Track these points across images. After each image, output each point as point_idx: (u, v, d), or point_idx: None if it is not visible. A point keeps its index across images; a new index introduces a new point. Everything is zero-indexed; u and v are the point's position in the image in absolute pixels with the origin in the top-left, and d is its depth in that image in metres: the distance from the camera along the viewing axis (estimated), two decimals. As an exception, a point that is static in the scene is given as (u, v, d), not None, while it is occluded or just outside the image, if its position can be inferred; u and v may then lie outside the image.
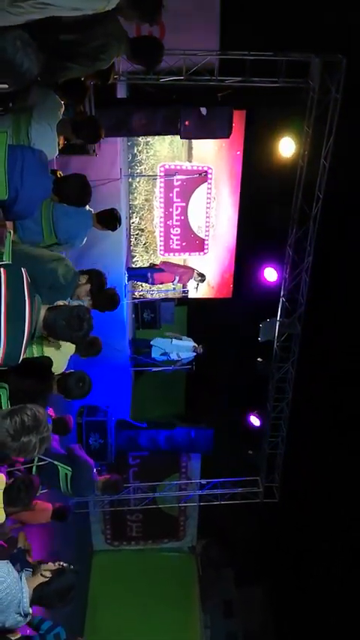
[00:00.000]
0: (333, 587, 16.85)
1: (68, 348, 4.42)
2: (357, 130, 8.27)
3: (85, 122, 4.32)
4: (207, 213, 10.06)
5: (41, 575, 3.03)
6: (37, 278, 3.18)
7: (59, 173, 4.60)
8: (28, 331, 2.79)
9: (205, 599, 15.48)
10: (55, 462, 4.77)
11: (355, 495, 15.21)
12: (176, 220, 10.06)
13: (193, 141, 9.53)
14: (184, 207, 9.96)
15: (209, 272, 10.51)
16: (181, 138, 8.42)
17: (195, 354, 10.34)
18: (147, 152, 9.50)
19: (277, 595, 19.61)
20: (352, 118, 7.68)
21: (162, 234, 10.13)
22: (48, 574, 3.01)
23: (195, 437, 10.50)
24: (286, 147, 7.96)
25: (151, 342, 10.37)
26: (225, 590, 20.01)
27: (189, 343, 10.37)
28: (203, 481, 11.38)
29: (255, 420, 10.43)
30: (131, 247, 10.33)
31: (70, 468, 4.89)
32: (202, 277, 10.07)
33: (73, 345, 4.47)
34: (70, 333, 2.97)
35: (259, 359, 9.85)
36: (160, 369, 10.46)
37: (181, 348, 10.31)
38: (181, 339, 10.49)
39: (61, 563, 3.08)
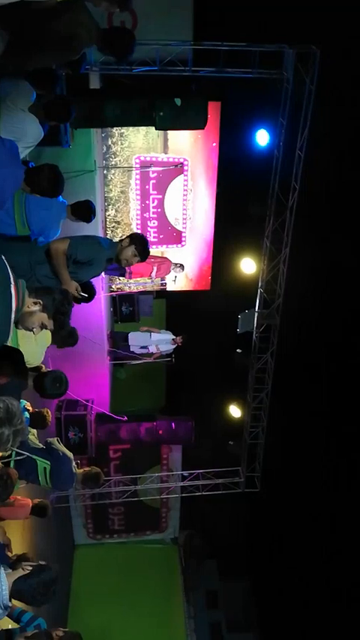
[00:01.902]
0: (315, 574, 17.11)
1: (44, 340, 4.39)
2: (331, 121, 8.34)
3: (54, 101, 4.27)
4: (184, 205, 10.04)
5: (22, 569, 3.01)
6: None
7: (31, 164, 4.54)
8: (15, 309, 2.76)
9: (189, 590, 15.56)
10: (34, 456, 4.73)
11: (335, 483, 15.44)
12: (153, 213, 10.02)
13: (168, 132, 9.49)
14: (161, 200, 9.92)
15: (187, 264, 10.51)
16: (156, 129, 8.37)
17: (175, 345, 10.36)
18: (122, 144, 9.43)
19: (260, 584, 19.83)
20: (327, 109, 7.74)
21: (139, 226, 10.08)
22: (29, 568, 2.99)
23: (176, 428, 10.51)
24: (262, 138, 7.98)
25: (129, 336, 10.36)
26: (208, 581, 20.15)
27: (168, 336, 10.39)
28: (185, 472, 11.41)
29: (235, 411, 10.49)
30: (108, 240, 10.26)
31: (48, 462, 4.85)
32: (181, 267, 10.06)
33: (49, 336, 4.45)
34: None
35: (238, 350, 9.89)
36: (139, 362, 10.46)
37: (160, 341, 10.32)
38: (159, 332, 10.50)
39: (42, 563, 3.07)
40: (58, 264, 3.89)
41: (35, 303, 2.96)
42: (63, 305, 3.09)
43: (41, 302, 2.98)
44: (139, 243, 4.20)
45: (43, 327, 3.07)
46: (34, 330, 3.07)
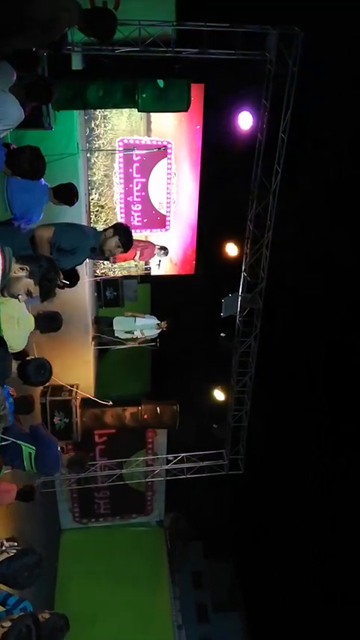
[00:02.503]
0: (298, 555, 17.40)
1: (27, 324, 4.36)
2: (315, 103, 8.31)
3: (35, 82, 4.20)
4: (168, 188, 9.98)
5: (6, 552, 3.02)
6: None
7: (12, 146, 4.47)
8: (2, 274, 2.75)
9: (174, 571, 15.76)
10: (18, 442, 4.72)
11: (318, 465, 15.67)
12: (137, 196, 9.94)
13: (151, 115, 9.39)
14: (145, 183, 9.85)
15: (171, 249, 10.46)
16: (138, 111, 8.28)
17: (160, 330, 10.35)
18: (105, 126, 9.32)
19: (245, 565, 20.15)
20: (310, 91, 7.71)
21: (122, 210, 10.01)
22: (13, 551, 3.01)
23: (160, 413, 10.55)
24: (245, 120, 7.94)
25: (113, 321, 10.33)
26: (194, 562, 20.43)
27: (152, 321, 10.37)
28: (170, 456, 11.49)
29: (219, 394, 10.56)
30: (91, 224, 10.18)
31: (33, 447, 4.84)
32: (164, 250, 10.02)
33: (32, 321, 4.42)
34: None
35: (222, 334, 9.92)
36: (124, 346, 10.45)
37: (144, 326, 10.30)
38: (144, 317, 10.47)
39: (25, 547, 3.08)
40: (42, 251, 3.86)
41: (22, 269, 2.97)
42: (49, 272, 3.11)
43: (28, 268, 2.99)
44: (123, 234, 4.19)
45: (29, 293, 3.07)
46: (20, 296, 3.07)
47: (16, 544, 3.54)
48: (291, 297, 12.04)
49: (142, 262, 10.38)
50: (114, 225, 4.31)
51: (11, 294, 3.05)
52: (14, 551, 3.06)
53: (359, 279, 11.86)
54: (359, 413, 13.58)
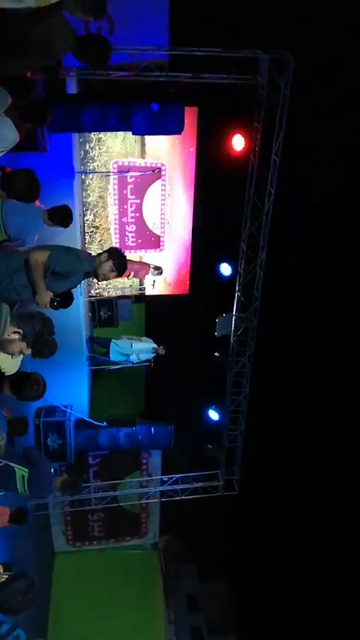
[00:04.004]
0: (294, 576, 17.21)
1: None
2: (306, 126, 8.45)
3: (31, 104, 4.25)
4: (162, 209, 10.07)
5: None
6: None
7: (7, 170, 4.51)
8: None
9: (169, 594, 15.53)
10: (12, 464, 4.68)
11: (314, 485, 15.58)
12: (131, 217, 10.02)
13: (146, 137, 9.52)
14: (139, 204, 9.93)
15: (166, 269, 10.52)
16: (133, 134, 8.39)
17: (155, 354, 10.31)
18: (99, 148, 9.42)
19: (240, 587, 19.88)
20: (301, 114, 7.84)
21: (117, 231, 10.07)
22: (4, 577, 2.98)
23: (155, 433, 10.48)
24: (238, 143, 8.04)
25: (111, 343, 10.28)
26: (188, 585, 20.13)
27: (149, 345, 10.33)
28: (164, 477, 11.39)
29: (214, 415, 10.52)
30: (86, 245, 10.23)
31: (26, 470, 4.80)
32: (159, 270, 10.06)
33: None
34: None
35: (216, 353, 9.93)
36: (118, 367, 10.42)
37: (141, 351, 10.25)
38: (140, 341, 10.44)
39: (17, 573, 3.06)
40: (36, 274, 3.89)
41: (15, 333, 3.01)
42: (42, 335, 3.15)
43: (21, 332, 3.03)
44: (117, 258, 4.23)
45: (21, 353, 3.12)
46: (13, 355, 3.12)
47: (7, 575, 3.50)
48: (285, 303, 12.04)
49: (137, 281, 10.40)
50: (108, 249, 4.35)
51: (4, 352, 3.11)
52: (6, 576, 3.03)
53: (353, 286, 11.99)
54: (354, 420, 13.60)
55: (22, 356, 4.31)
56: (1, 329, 2.86)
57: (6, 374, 3.96)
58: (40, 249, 4.04)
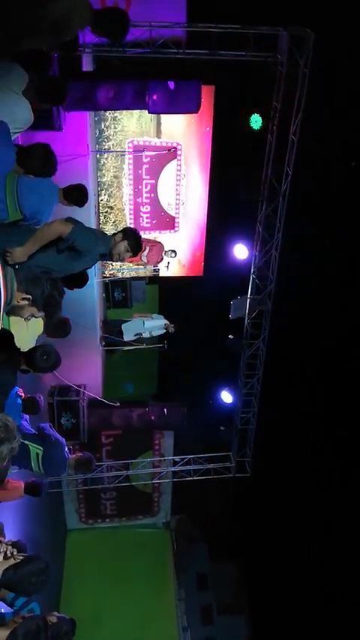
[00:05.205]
0: (305, 559, 17.33)
1: (36, 328, 4.37)
2: (325, 105, 8.27)
3: (48, 83, 4.19)
4: (177, 190, 9.97)
5: (13, 558, 3.03)
6: None
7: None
8: (4, 303, 2.77)
9: (179, 573, 15.73)
10: (26, 442, 4.73)
11: (325, 468, 15.59)
12: (146, 198, 9.95)
13: (161, 116, 9.39)
14: (154, 185, 9.85)
15: (180, 250, 10.47)
16: (149, 112, 8.28)
17: (165, 331, 10.37)
18: (115, 127, 9.33)
19: (250, 567, 20.07)
20: (321, 93, 7.68)
21: (132, 211, 10.01)
22: (19, 558, 3.01)
23: (168, 414, 10.54)
24: (255, 122, 7.91)
25: (122, 327, 10.34)
26: (199, 564, 20.37)
27: (160, 321, 10.38)
28: (176, 458, 11.47)
29: (227, 397, 10.53)
30: (100, 225, 10.19)
31: (41, 448, 4.85)
32: (173, 253, 10.03)
33: (41, 325, 4.42)
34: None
35: (230, 336, 9.90)
36: (132, 347, 10.45)
37: (153, 328, 10.33)
38: (152, 318, 10.48)
39: (31, 554, 3.10)
40: (42, 237, 3.76)
41: (24, 299, 3.00)
42: (53, 297, 3.13)
43: (30, 297, 3.02)
44: (132, 238, 4.18)
45: (33, 316, 3.11)
46: (25, 319, 3.11)
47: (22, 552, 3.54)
48: (300, 299, 11.98)
49: (150, 264, 10.38)
50: (123, 229, 4.30)
51: (17, 316, 3.11)
52: (21, 557, 3.06)
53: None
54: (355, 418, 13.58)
55: (37, 334, 4.33)
56: (8, 295, 2.84)
57: (21, 350, 3.97)
58: (63, 221, 3.96)
